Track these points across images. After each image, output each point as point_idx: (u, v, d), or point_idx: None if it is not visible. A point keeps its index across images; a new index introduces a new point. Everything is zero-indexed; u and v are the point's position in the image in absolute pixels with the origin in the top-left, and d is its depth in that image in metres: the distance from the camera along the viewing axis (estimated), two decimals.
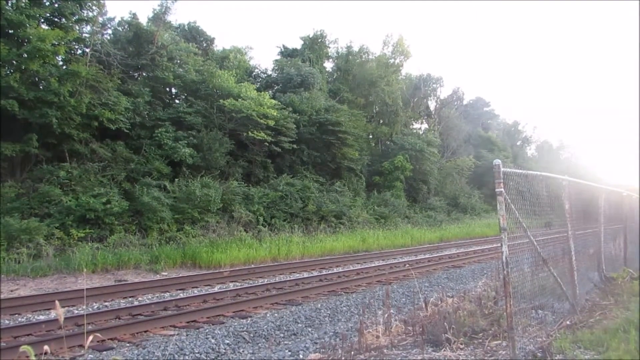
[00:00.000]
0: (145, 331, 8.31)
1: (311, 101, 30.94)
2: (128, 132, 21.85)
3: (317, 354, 6.69)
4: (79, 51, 21.86)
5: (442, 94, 56.05)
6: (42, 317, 9.33)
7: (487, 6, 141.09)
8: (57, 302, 3.33)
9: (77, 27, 20.56)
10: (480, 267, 16.56)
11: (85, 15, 20.82)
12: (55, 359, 6.82)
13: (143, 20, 28.02)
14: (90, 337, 3.48)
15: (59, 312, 3.12)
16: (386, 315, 7.11)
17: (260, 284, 13.27)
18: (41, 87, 18.45)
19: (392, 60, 43.86)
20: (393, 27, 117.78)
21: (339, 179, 31.12)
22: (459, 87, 61.74)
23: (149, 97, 23.26)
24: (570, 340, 5.93)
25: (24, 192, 17.59)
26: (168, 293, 12.20)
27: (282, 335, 8.35)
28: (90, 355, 6.98)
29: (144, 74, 25.01)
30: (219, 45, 36.96)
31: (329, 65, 43.89)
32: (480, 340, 6.11)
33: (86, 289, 11.38)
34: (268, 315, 9.57)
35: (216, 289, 12.79)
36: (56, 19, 19.41)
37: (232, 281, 14.09)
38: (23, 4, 17.55)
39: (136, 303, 10.75)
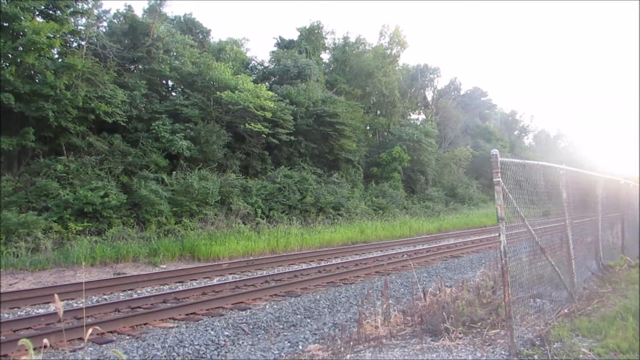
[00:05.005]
0: (144, 324, 8.33)
1: (308, 93, 30.86)
2: (125, 125, 21.79)
3: (316, 344, 6.71)
4: (75, 44, 21.76)
5: (440, 85, 56.16)
6: (41, 311, 9.34)
7: None
8: (56, 295, 3.33)
9: (72, 20, 20.41)
10: (478, 257, 16.60)
11: (80, 7, 20.65)
12: (55, 353, 6.82)
13: (138, 12, 27.93)
14: (90, 330, 3.47)
15: (58, 305, 3.12)
16: (385, 306, 7.12)
17: (259, 275, 13.29)
18: (37, 80, 18.38)
19: (388, 51, 43.71)
20: (390, 17, 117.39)
21: (336, 170, 31.14)
22: (456, 78, 61.87)
23: (146, 89, 23.18)
24: (568, 328, 5.95)
25: (21, 186, 17.57)
26: (167, 286, 12.22)
27: (281, 326, 8.37)
28: (89, 348, 6.99)
29: (140, 67, 24.90)
30: (215, 37, 36.94)
31: (325, 56, 43.84)
32: (479, 330, 6.13)
33: (85, 282, 11.38)
34: (267, 306, 9.60)
35: (215, 281, 12.81)
36: (51, 12, 19.25)
37: (231, 273, 14.11)
38: None
39: (135, 296, 10.76)
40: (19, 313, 9.30)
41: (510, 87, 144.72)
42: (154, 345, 7.04)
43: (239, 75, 26.88)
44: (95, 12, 22.98)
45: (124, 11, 25.77)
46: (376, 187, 33.09)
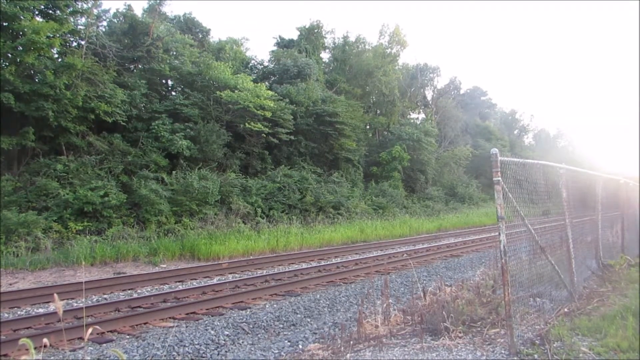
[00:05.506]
0: (144, 323, 8.33)
1: (308, 92, 30.84)
2: (125, 124, 21.78)
3: (316, 344, 6.72)
4: (74, 43, 21.73)
5: (439, 84, 56.15)
6: (41, 310, 9.34)
7: None
8: (55, 295, 3.33)
9: (72, 19, 20.39)
10: (478, 256, 16.61)
11: (79, 7, 20.63)
12: (55, 353, 6.82)
13: (138, 11, 27.94)
14: (90, 330, 3.47)
15: (57, 305, 3.11)
16: (385, 305, 7.12)
17: (259, 275, 13.29)
18: (37, 80, 18.37)
19: (388, 50, 43.62)
20: (389, 16, 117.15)
21: (336, 169, 31.12)
22: (456, 77, 61.90)
23: (145, 89, 23.17)
24: (568, 327, 5.96)
25: (21, 186, 17.56)
26: (167, 285, 12.22)
27: (281, 325, 8.38)
28: (90, 348, 6.99)
29: (140, 66, 24.89)
30: (215, 37, 36.88)
31: (325, 55, 43.79)
32: (479, 329, 6.13)
33: (85, 281, 11.38)
34: (267, 306, 9.60)
35: (215, 280, 12.81)
36: (51, 11, 19.23)
37: (231, 273, 14.11)
38: None
39: (135, 295, 10.77)
40: (19, 313, 9.30)
41: (510, 87, 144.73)
42: (154, 344, 7.04)
43: (238, 75, 26.85)
44: (95, 11, 22.97)
45: (124, 11, 25.76)
46: (376, 187, 33.07)
